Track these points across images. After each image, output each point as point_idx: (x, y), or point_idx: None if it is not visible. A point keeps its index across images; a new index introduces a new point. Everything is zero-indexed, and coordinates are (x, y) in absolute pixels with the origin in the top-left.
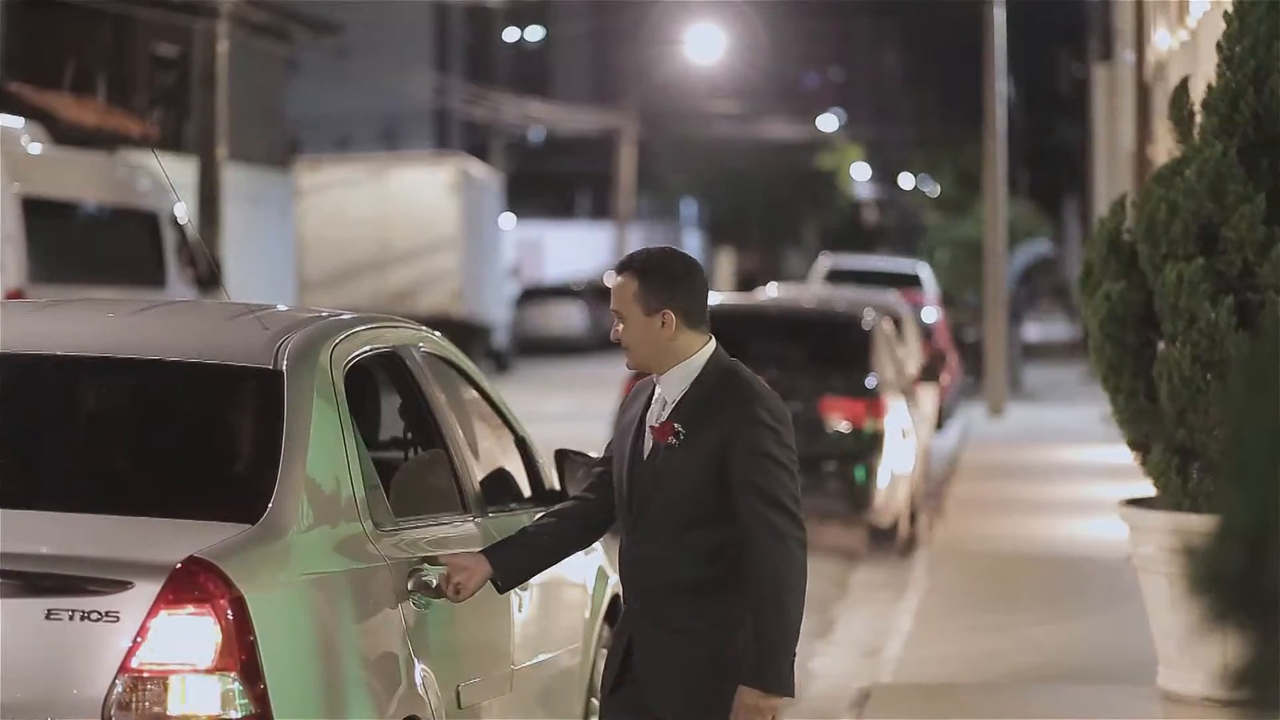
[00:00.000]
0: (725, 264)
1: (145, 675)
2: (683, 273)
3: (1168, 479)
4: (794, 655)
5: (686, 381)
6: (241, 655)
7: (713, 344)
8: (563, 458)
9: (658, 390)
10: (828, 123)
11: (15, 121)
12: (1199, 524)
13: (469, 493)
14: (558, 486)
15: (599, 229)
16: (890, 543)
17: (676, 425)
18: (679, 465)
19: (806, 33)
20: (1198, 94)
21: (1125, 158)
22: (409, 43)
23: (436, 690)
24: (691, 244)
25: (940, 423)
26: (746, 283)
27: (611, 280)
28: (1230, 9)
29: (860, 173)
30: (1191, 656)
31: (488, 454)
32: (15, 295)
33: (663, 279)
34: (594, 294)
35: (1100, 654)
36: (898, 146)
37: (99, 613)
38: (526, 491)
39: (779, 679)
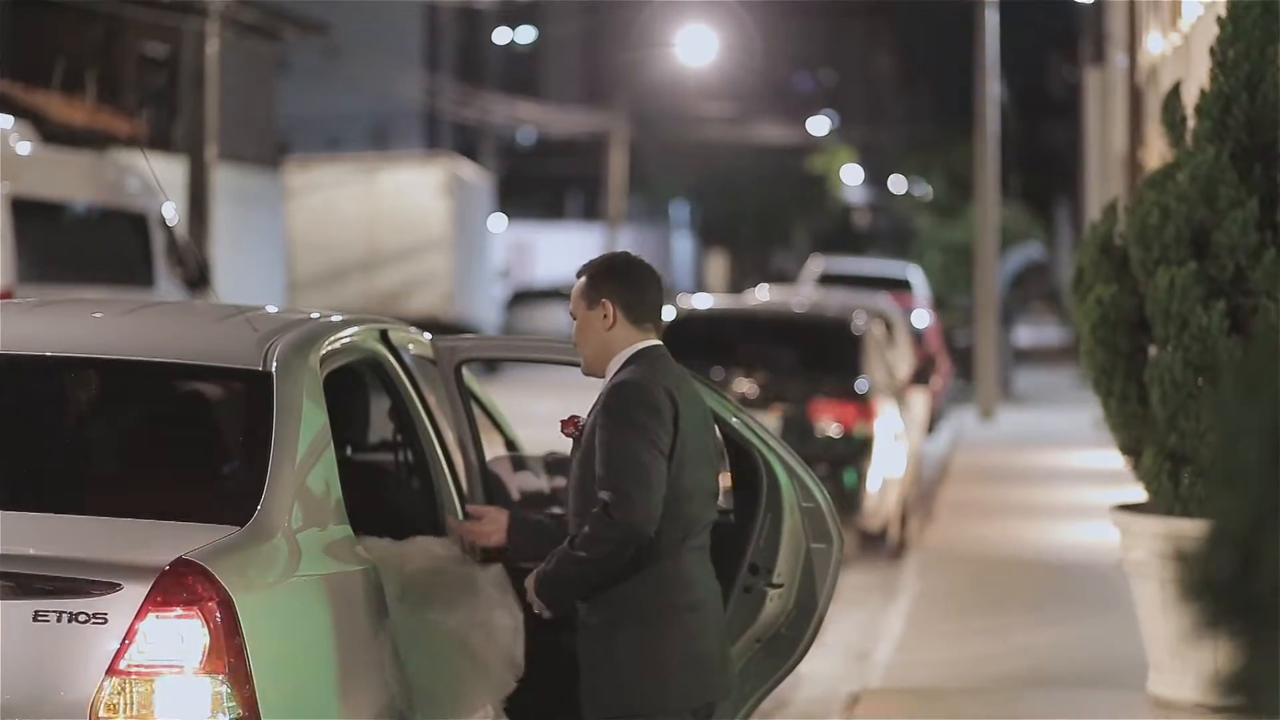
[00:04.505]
0: (716, 266)
1: (133, 677)
2: (624, 267)
3: (1159, 484)
4: (555, 596)
5: (611, 374)
6: (230, 657)
7: (648, 342)
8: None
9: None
10: (819, 125)
11: (4, 121)
12: (1190, 529)
13: (448, 495)
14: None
15: (590, 231)
16: (881, 547)
17: (579, 418)
18: (578, 457)
19: (798, 35)
20: (1190, 98)
21: (1117, 162)
22: (399, 43)
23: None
24: (682, 246)
25: (931, 426)
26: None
27: None
28: (1223, 13)
29: (851, 176)
30: (1182, 662)
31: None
32: (4, 296)
33: (603, 273)
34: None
35: (1090, 659)
36: (889, 149)
37: (87, 614)
38: (515, 495)
39: (539, 587)
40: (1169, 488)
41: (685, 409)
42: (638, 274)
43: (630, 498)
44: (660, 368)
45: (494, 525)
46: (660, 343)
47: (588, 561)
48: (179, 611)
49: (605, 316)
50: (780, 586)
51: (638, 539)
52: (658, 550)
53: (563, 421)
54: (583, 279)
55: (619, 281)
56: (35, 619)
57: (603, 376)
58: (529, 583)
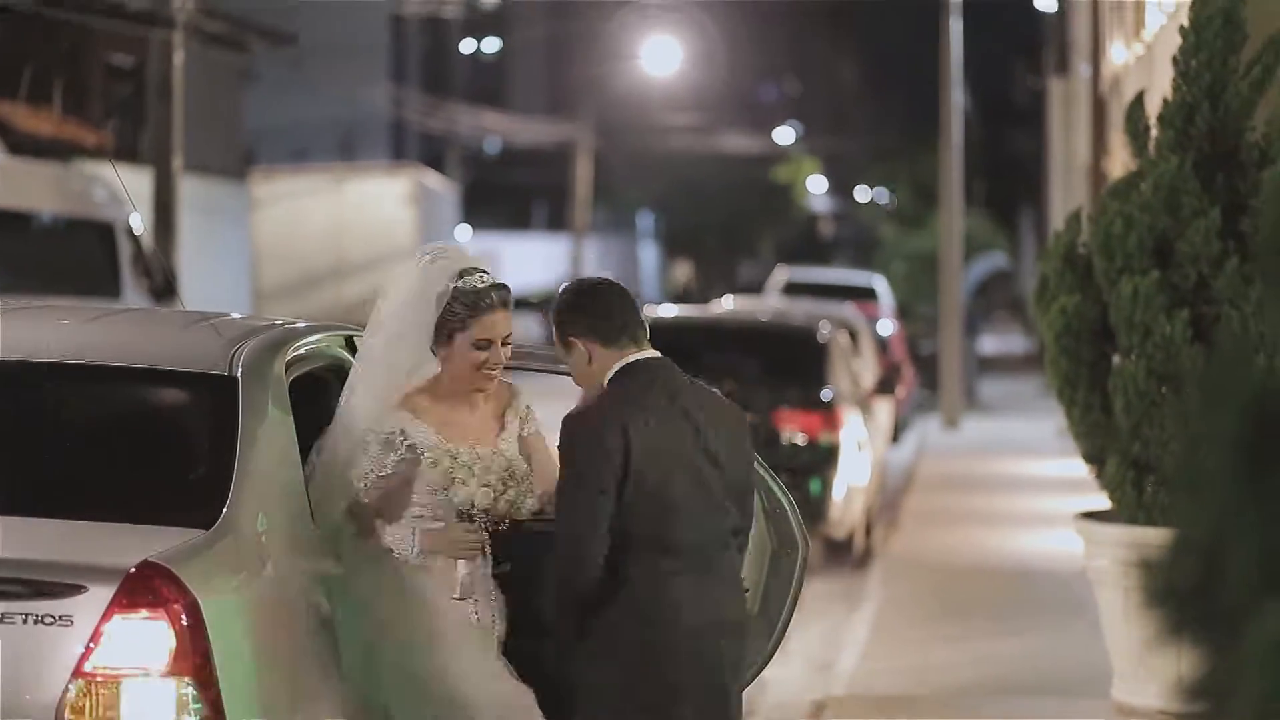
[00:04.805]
0: (681, 276)
1: (99, 679)
2: (582, 297)
3: (1123, 492)
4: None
5: None
6: (195, 659)
7: (626, 359)
8: None
9: None
10: (784, 135)
11: None
12: (1154, 537)
13: None
14: None
15: (555, 241)
16: (845, 555)
17: None
18: None
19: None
20: (1153, 108)
21: (1081, 171)
22: (365, 54)
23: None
24: (648, 256)
25: (896, 435)
26: (683, 297)
27: None
28: (1186, 23)
29: (816, 185)
30: (1146, 669)
31: None
32: None
33: (564, 313)
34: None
35: (1054, 666)
36: (854, 159)
37: (52, 616)
38: None
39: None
40: (1132, 496)
41: (651, 430)
42: (597, 300)
43: (561, 540)
44: (625, 392)
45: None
46: (643, 355)
47: (557, 601)
48: (145, 614)
49: (583, 352)
50: (745, 592)
51: (570, 583)
52: (628, 577)
53: None
54: (552, 324)
55: (581, 313)
56: (1, 621)
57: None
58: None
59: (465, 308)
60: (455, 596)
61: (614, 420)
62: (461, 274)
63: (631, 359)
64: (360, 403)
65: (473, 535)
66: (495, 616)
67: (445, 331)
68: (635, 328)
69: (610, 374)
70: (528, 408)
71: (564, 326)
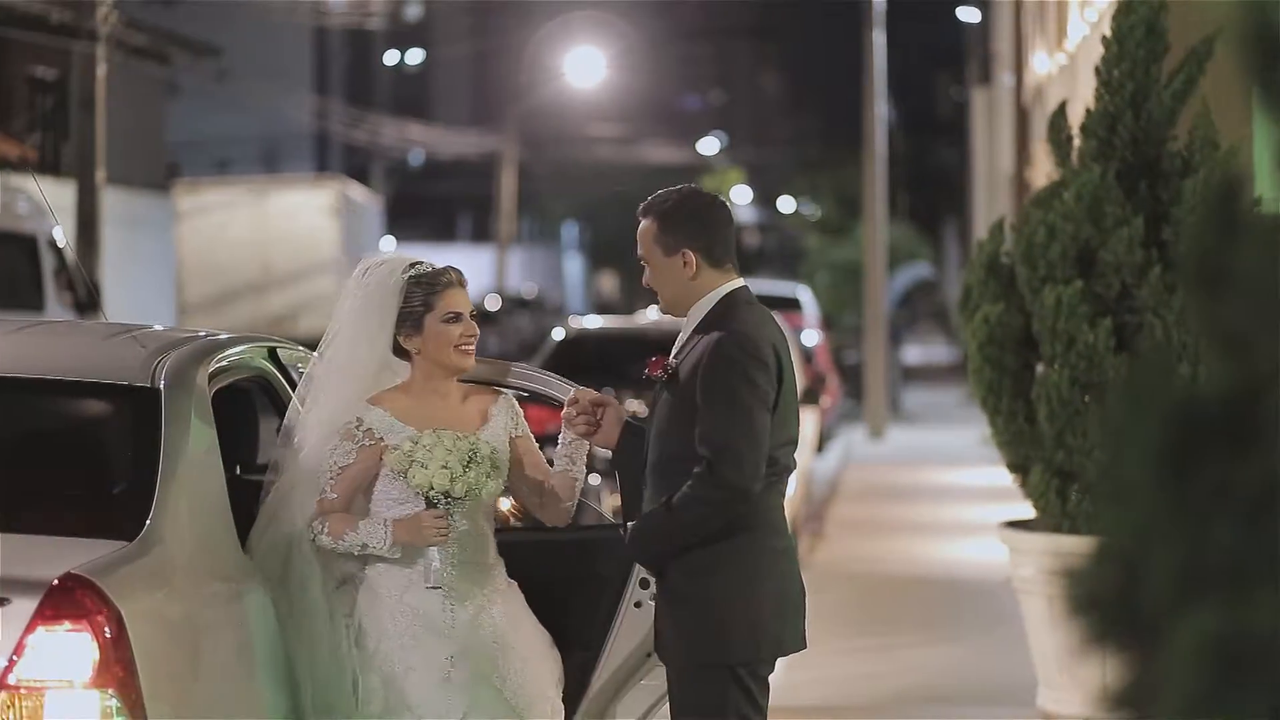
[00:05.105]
0: (606, 287)
1: (22, 691)
2: (702, 210)
3: (1047, 500)
4: (654, 554)
5: (699, 317)
6: (119, 671)
7: (736, 282)
8: None
9: (680, 333)
10: (708, 146)
11: None
12: (1078, 545)
13: None
14: None
15: (480, 252)
16: None
17: (668, 360)
18: (668, 398)
19: (687, 56)
20: (1076, 117)
21: (1004, 181)
22: (289, 66)
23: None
24: (573, 267)
25: (821, 445)
26: (606, 307)
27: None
28: (1108, 33)
29: (740, 196)
30: (1071, 677)
31: None
32: None
33: (680, 218)
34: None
35: (980, 675)
36: (778, 170)
37: None
38: None
39: (638, 545)
40: (1056, 504)
41: (785, 358)
42: (715, 214)
43: (741, 456)
44: (759, 316)
45: (607, 426)
46: (744, 283)
47: (692, 522)
48: (68, 626)
49: (686, 265)
50: None
51: (744, 499)
52: (754, 497)
53: (650, 362)
54: (655, 225)
55: (699, 225)
56: None
57: (683, 317)
58: (626, 540)
59: (426, 289)
60: (429, 585)
61: (766, 340)
62: (409, 266)
63: (737, 284)
64: (322, 416)
65: (441, 521)
66: (487, 603)
67: (412, 320)
68: (734, 252)
69: (717, 296)
70: (517, 411)
71: (675, 233)
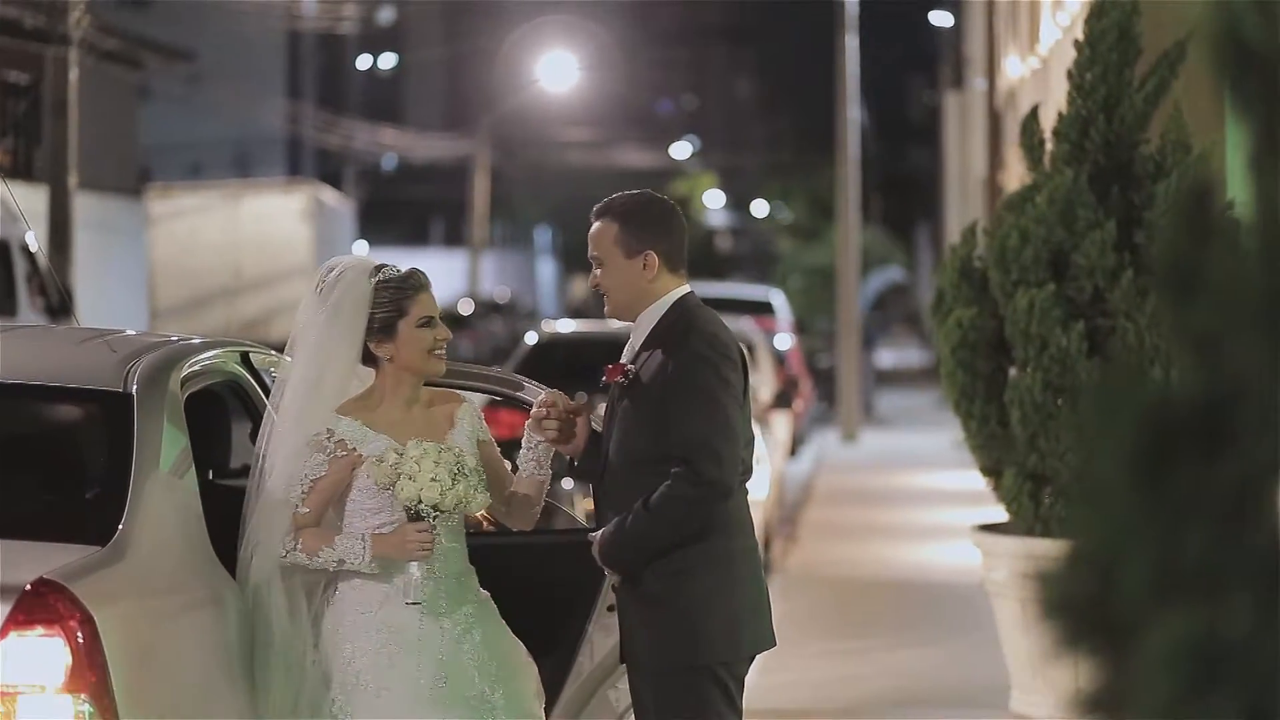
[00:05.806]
0: (579, 291)
1: None
2: (665, 215)
3: (1019, 504)
4: (630, 559)
5: (653, 321)
6: (92, 676)
7: (686, 288)
8: None
9: (630, 337)
10: (681, 150)
11: None
12: (1050, 549)
13: None
14: None
15: (453, 256)
16: None
17: (627, 364)
18: (630, 403)
19: (660, 61)
20: (1049, 121)
21: (977, 184)
22: (262, 70)
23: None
24: (545, 271)
25: (794, 449)
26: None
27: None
28: (1081, 37)
29: (714, 200)
30: (1043, 680)
31: None
32: None
33: (645, 220)
34: (449, 321)
35: (954, 678)
36: (751, 174)
37: None
38: None
39: (612, 551)
40: (1029, 508)
41: (746, 359)
42: (675, 220)
43: (720, 453)
44: (717, 317)
45: (578, 433)
46: (690, 288)
47: (673, 522)
48: (40, 631)
49: (647, 267)
50: None
51: (725, 495)
52: (734, 493)
53: (608, 369)
54: (616, 226)
55: (664, 230)
56: None
57: (630, 321)
58: (595, 549)
59: (397, 293)
60: (409, 601)
61: (733, 341)
62: (375, 270)
63: (689, 289)
64: (295, 426)
65: (425, 535)
66: (465, 620)
67: (384, 326)
68: (685, 257)
69: (670, 299)
70: (479, 415)
71: (642, 236)
